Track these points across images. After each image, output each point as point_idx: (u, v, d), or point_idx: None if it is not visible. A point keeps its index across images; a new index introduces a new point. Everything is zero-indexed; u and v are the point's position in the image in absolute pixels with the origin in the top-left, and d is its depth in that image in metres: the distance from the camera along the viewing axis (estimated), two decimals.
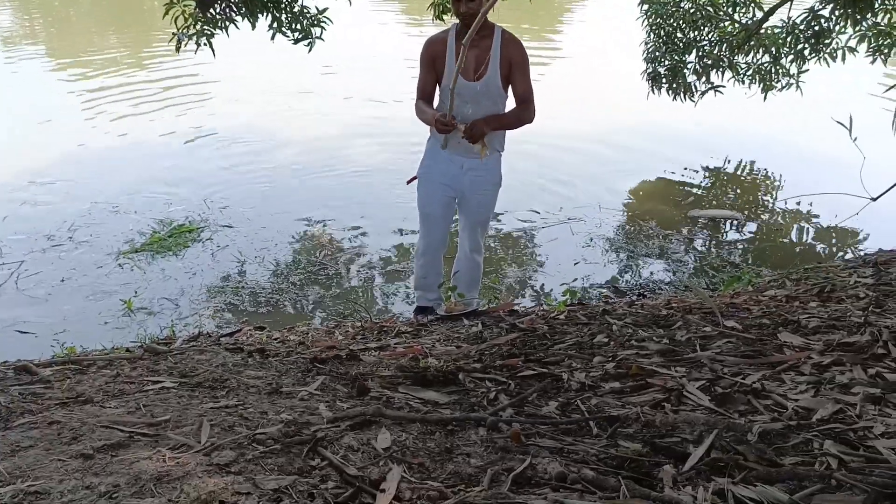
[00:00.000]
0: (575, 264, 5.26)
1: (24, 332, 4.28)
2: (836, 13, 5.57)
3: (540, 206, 6.04)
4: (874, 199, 3.35)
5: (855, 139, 3.45)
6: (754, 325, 2.78)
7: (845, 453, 1.64)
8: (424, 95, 3.69)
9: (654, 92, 6.76)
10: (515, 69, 3.60)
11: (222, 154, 7.32)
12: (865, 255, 4.42)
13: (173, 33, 5.29)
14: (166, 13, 5.20)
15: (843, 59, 5.98)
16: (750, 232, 5.95)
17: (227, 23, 5.33)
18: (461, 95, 3.55)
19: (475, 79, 3.56)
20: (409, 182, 3.96)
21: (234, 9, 5.25)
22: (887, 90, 3.48)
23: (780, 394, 2.04)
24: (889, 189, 3.31)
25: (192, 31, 5.37)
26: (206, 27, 5.33)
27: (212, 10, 5.28)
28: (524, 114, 3.66)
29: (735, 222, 6.01)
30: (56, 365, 2.39)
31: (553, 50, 11.93)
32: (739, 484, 1.54)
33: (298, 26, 5.41)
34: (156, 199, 6.17)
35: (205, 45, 5.42)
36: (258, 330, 3.95)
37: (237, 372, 2.31)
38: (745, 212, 6.30)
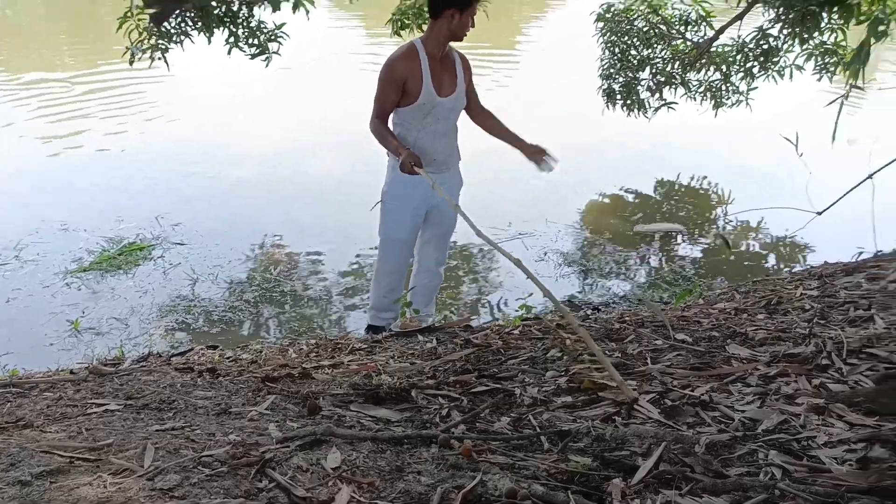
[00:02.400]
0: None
1: None
2: (785, 32, 5.74)
3: (491, 221, 6.03)
4: (819, 214, 3.45)
5: (801, 155, 3.55)
6: (704, 337, 2.83)
7: (789, 463, 1.68)
8: (384, 116, 3.65)
9: (608, 108, 6.87)
10: (469, 81, 3.76)
11: (175, 169, 7.20)
12: (811, 267, 4.54)
13: (127, 47, 5.22)
14: (120, 27, 5.13)
15: (791, 76, 6.15)
16: (702, 246, 6.05)
17: (182, 37, 5.28)
18: (434, 113, 3.59)
19: (449, 95, 3.61)
20: (372, 209, 3.91)
21: (190, 23, 5.21)
22: (828, 104, 3.58)
23: (727, 405, 2.08)
24: (833, 204, 3.41)
25: (145, 45, 5.31)
26: (160, 41, 5.28)
27: (166, 25, 5.23)
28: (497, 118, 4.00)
29: (679, 235, 6.12)
30: None
31: (509, 65, 12.03)
32: (686, 496, 1.56)
33: (255, 41, 5.39)
34: (106, 216, 6.04)
35: (159, 59, 5.35)
36: (211, 349, 3.89)
37: (185, 392, 2.27)
38: (696, 226, 6.41)
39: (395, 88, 3.55)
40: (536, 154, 3.85)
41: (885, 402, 1.92)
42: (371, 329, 4.07)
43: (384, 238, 3.90)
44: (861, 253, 4.26)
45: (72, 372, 2.69)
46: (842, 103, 3.89)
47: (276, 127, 8.62)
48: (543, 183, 7.03)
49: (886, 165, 3.13)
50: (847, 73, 3.66)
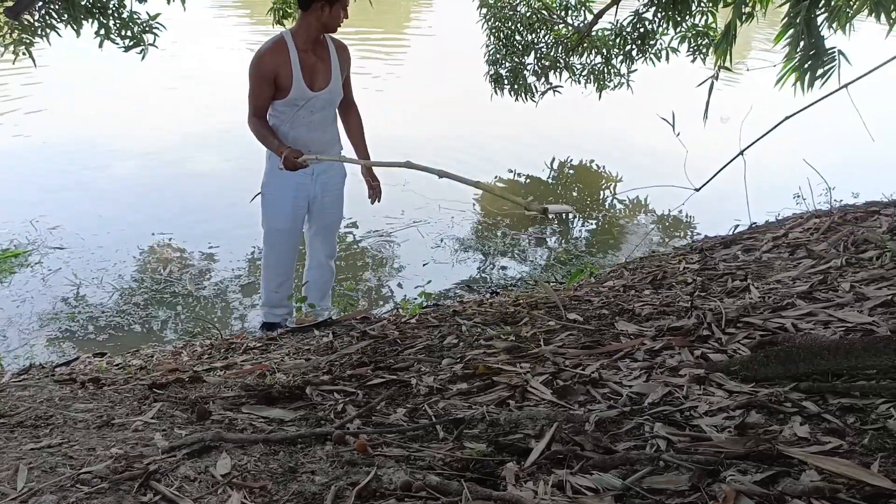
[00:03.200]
0: (424, 265, 5.29)
1: None
2: (659, 16, 5.93)
3: (383, 210, 5.98)
4: (697, 190, 3.58)
5: (678, 134, 3.67)
6: (594, 315, 2.90)
7: (673, 434, 1.73)
8: (261, 113, 3.54)
9: (496, 93, 6.94)
10: (347, 73, 3.66)
11: (49, 169, 6.78)
12: (693, 241, 4.73)
13: None
14: None
15: (667, 58, 6.38)
16: (593, 225, 6.22)
17: (48, 30, 4.99)
18: (308, 106, 3.50)
19: (322, 88, 3.52)
20: (252, 199, 3.83)
21: (55, 15, 4.92)
22: (699, 84, 3.72)
23: (615, 381, 2.13)
24: (710, 180, 3.55)
25: (8, 39, 4.99)
26: (23, 35, 4.97)
27: (28, 18, 4.93)
28: (361, 121, 3.83)
29: (569, 215, 6.26)
30: None
31: (398, 51, 11.97)
32: (577, 474, 1.59)
33: (129, 33, 5.15)
34: None
35: (23, 54, 5.05)
36: (98, 356, 3.71)
37: (64, 406, 2.15)
38: (587, 206, 6.59)
39: (267, 84, 3.44)
40: (372, 182, 3.81)
41: (759, 368, 2.01)
42: (266, 326, 3.98)
43: (267, 230, 3.81)
44: (737, 226, 4.46)
45: None
46: (712, 83, 4.04)
47: (156, 122, 8.26)
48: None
49: (755, 142, 3.28)
50: (716, 54, 3.80)
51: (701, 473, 1.50)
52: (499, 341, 2.65)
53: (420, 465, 1.71)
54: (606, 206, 6.74)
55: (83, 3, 4.70)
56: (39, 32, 4.94)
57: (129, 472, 1.63)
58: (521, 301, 3.35)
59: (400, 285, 5.10)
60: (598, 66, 6.70)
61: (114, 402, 2.24)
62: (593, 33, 6.46)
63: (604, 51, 6.53)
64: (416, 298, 4.46)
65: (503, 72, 6.77)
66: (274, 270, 3.91)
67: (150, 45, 5.22)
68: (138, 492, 1.56)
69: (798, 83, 3.13)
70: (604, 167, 7.54)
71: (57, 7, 4.74)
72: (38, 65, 5.27)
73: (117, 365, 3.31)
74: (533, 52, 6.71)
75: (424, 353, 2.66)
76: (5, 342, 4.27)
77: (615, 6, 6.03)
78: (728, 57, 3.40)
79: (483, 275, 5.26)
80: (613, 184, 7.20)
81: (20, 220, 5.64)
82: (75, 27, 4.89)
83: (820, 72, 3.12)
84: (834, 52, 3.11)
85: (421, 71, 10.86)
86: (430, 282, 4.98)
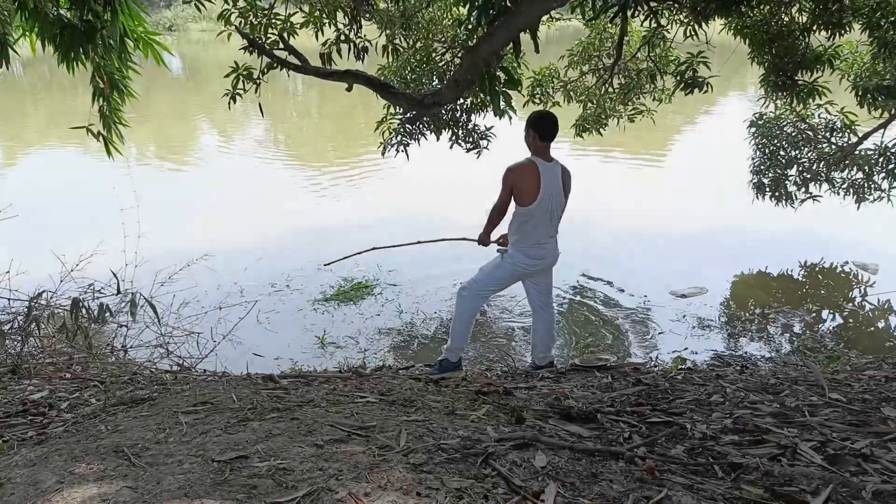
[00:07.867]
0: (660, 334, 5.01)
1: (257, 355, 4.57)
2: None
3: (640, 290, 5.82)
4: None
5: None
6: (857, 398, 2.54)
7: None
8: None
9: (758, 198, 6.46)
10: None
11: (397, 232, 7.50)
12: None
13: (381, 143, 5.70)
14: (377, 128, 5.64)
15: None
16: (842, 320, 5.46)
17: (420, 136, 5.72)
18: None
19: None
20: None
21: (426, 126, 5.65)
22: None
23: (888, 460, 1.85)
24: None
25: (394, 141, 5.79)
26: (404, 138, 5.74)
27: (408, 126, 5.66)
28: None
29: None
30: (290, 377, 2.56)
31: (664, 160, 11.61)
32: None
33: (470, 139, 5.71)
34: (345, 262, 6.38)
35: (402, 150, 5.79)
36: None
37: (421, 395, 2.37)
38: (834, 306, 5.79)
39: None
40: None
41: None
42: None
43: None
44: None
45: (340, 371, 2.89)
46: None
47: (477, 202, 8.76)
48: (692, 259, 6.67)
49: None
50: None
51: None
52: (763, 406, 2.44)
53: (703, 494, 1.62)
54: (855, 305, 5.87)
55: (444, 118, 5.31)
56: (414, 136, 5.66)
57: (473, 450, 1.76)
58: (780, 376, 3.04)
59: (643, 346, 4.86)
60: (859, 180, 5.96)
61: (453, 398, 2.42)
62: (856, 152, 5.78)
63: (865, 168, 5.81)
64: (672, 361, 4.24)
65: (766, 181, 6.30)
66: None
67: (483, 147, 5.72)
68: (481, 465, 1.67)
69: None
70: (856, 269, 6.59)
71: (427, 120, 5.41)
72: (399, 161, 5.90)
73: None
74: (795, 166, 6.17)
75: (693, 404, 2.52)
76: (357, 345, 4.82)
77: (883, 129, 5.37)
78: None
79: (732, 351, 4.84)
80: (864, 285, 6.26)
81: (373, 263, 6.22)
82: (437, 134, 5.53)
83: None
84: None
85: (687, 172, 10.35)
86: (686, 349, 4.72)
